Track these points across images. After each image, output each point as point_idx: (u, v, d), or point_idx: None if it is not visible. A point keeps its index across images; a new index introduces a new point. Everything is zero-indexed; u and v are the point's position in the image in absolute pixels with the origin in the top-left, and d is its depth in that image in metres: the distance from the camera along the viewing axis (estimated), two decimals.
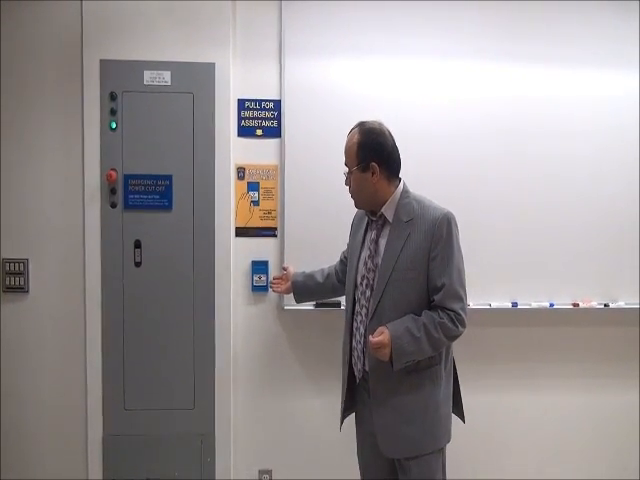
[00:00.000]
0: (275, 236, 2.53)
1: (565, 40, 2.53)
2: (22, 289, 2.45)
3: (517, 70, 2.53)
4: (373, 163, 1.87)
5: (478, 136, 2.52)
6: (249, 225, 2.53)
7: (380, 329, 1.79)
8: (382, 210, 1.90)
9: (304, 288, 2.32)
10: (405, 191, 1.92)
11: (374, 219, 1.94)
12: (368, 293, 1.89)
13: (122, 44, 2.37)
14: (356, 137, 1.89)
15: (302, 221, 2.48)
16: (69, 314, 2.46)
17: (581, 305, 2.56)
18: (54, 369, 2.47)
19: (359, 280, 1.94)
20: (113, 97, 2.37)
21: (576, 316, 2.62)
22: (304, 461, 2.59)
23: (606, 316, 2.62)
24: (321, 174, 2.46)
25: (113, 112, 2.37)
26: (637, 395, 2.70)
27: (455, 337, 1.85)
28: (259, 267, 2.52)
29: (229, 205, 2.45)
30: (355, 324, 1.95)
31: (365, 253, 1.94)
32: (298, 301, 2.36)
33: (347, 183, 1.95)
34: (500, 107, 2.53)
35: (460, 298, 1.83)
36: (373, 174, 1.87)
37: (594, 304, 2.57)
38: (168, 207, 2.40)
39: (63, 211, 2.45)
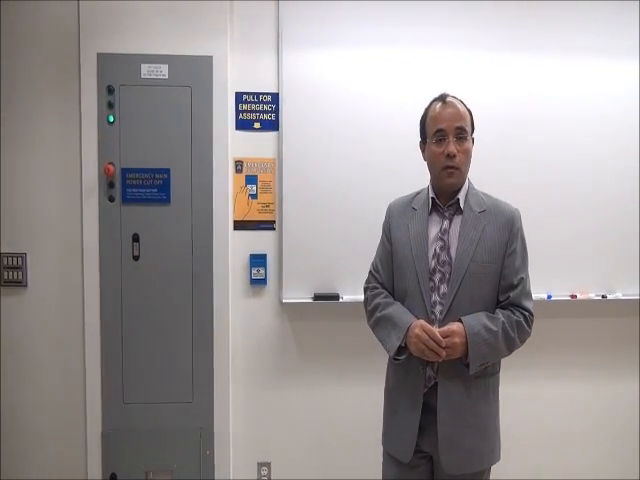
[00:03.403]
0: (273, 229, 2.53)
1: (566, 35, 2.54)
2: (20, 283, 2.44)
3: (518, 64, 2.53)
4: (473, 137, 1.78)
5: (477, 128, 2.51)
6: (247, 218, 2.53)
7: (448, 325, 1.65)
8: (459, 196, 1.74)
9: None
10: (471, 182, 1.81)
11: (442, 208, 1.75)
12: (443, 289, 1.70)
13: (119, 37, 2.36)
14: (464, 106, 1.75)
15: (300, 214, 2.48)
16: (67, 308, 2.46)
17: (579, 297, 2.57)
18: (53, 363, 2.47)
19: (429, 277, 1.72)
20: (110, 90, 2.36)
21: (574, 308, 2.62)
22: (303, 454, 2.59)
23: (604, 307, 2.63)
24: (319, 167, 2.47)
25: (110, 106, 2.37)
26: (635, 385, 2.71)
27: (524, 341, 1.74)
28: (257, 260, 2.52)
29: (227, 198, 2.45)
30: None
31: (436, 245, 1.72)
32: None
33: (450, 150, 1.69)
34: (500, 98, 2.52)
35: (532, 298, 1.75)
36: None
37: (592, 296, 2.58)
38: (166, 201, 2.40)
39: (61, 205, 2.45)
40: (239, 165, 2.52)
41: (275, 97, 2.50)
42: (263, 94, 2.50)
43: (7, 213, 2.44)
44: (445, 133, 1.70)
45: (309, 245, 2.47)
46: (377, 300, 1.82)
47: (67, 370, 2.47)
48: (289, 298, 2.48)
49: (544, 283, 2.55)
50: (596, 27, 2.55)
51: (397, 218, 1.83)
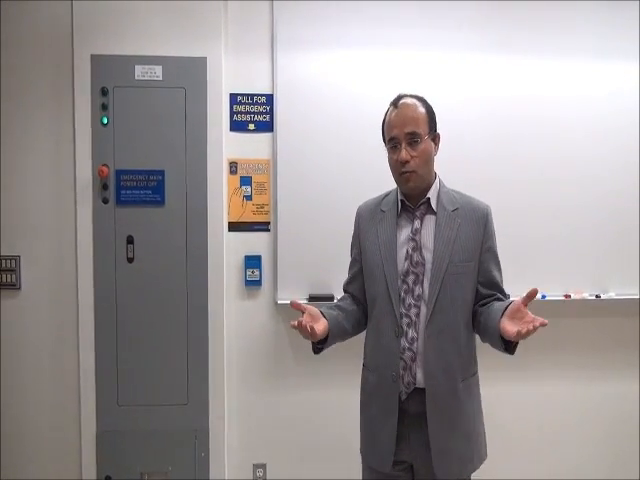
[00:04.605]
0: (268, 230, 2.53)
1: (564, 36, 2.56)
2: (14, 286, 2.43)
3: (517, 65, 2.55)
4: (439, 133, 1.72)
5: (474, 127, 2.53)
6: (242, 220, 2.53)
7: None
8: (429, 195, 1.70)
9: (333, 337, 1.76)
10: (441, 180, 1.76)
11: (412, 208, 1.71)
12: (418, 290, 1.66)
13: (113, 39, 2.36)
14: (420, 105, 1.69)
15: (295, 215, 2.48)
16: (61, 310, 2.45)
17: (573, 296, 2.58)
18: (47, 365, 2.46)
19: (401, 278, 1.67)
20: (104, 92, 2.36)
21: (568, 307, 2.63)
22: (298, 455, 2.59)
23: (597, 307, 2.65)
24: (314, 168, 2.47)
25: (104, 107, 2.36)
26: (631, 385, 2.72)
27: None
28: (252, 262, 2.52)
29: (222, 200, 2.45)
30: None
31: (407, 246, 1.68)
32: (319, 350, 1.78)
33: (402, 157, 1.65)
34: (498, 98, 2.54)
35: None
36: (435, 146, 1.72)
37: (585, 295, 2.59)
38: (160, 202, 2.40)
39: (55, 207, 2.44)
40: (233, 166, 2.52)
41: (269, 98, 2.50)
42: (257, 95, 2.51)
43: (1, 215, 2.42)
44: (397, 141, 1.67)
45: (304, 246, 2.48)
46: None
47: (61, 372, 2.46)
48: (284, 299, 2.47)
49: (538, 283, 2.52)
50: (596, 28, 2.57)
51: (366, 223, 1.80)
